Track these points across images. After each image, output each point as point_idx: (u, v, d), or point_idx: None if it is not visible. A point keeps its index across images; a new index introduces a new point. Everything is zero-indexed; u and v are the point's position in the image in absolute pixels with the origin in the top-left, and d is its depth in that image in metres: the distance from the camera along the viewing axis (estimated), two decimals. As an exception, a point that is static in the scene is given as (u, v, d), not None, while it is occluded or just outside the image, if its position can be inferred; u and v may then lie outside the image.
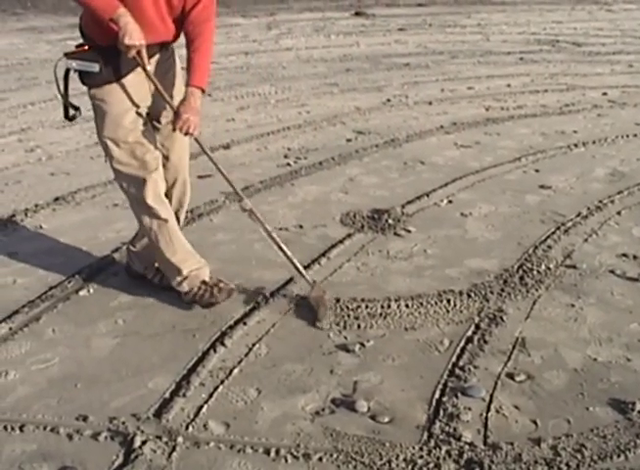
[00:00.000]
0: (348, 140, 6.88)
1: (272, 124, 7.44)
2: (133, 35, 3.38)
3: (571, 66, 10.61)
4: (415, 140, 6.92)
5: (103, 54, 3.52)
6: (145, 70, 3.56)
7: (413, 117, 7.72)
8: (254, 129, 7.26)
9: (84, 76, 3.60)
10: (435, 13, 16.83)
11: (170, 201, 3.94)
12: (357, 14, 16.58)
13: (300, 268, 4.00)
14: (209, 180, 5.70)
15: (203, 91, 3.63)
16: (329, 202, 5.36)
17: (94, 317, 3.81)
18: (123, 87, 3.60)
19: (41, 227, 4.93)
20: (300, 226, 4.92)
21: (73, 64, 3.56)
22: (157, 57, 3.68)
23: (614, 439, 2.90)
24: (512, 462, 2.77)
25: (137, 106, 3.65)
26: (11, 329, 3.70)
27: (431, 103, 8.35)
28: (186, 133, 3.62)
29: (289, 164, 6.17)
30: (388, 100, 8.49)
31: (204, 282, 3.89)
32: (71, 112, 3.79)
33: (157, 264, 4.06)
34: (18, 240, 4.75)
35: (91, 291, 4.08)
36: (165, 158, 3.86)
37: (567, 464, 2.75)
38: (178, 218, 4.01)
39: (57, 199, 5.40)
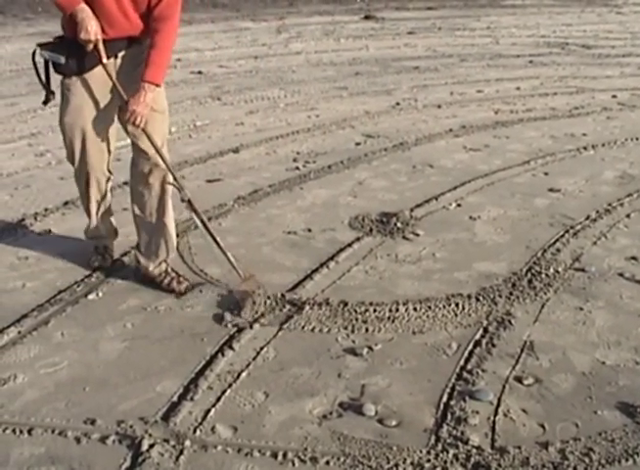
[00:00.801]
0: (357, 144, 6.88)
1: (281, 128, 7.45)
2: (89, 30, 3.61)
3: (580, 68, 10.59)
4: (424, 143, 6.92)
5: (68, 47, 3.76)
6: (101, 63, 3.76)
7: (422, 121, 7.72)
8: (264, 133, 7.27)
9: (55, 66, 3.86)
10: (445, 16, 16.83)
11: (151, 187, 4.08)
12: (367, 17, 16.60)
13: (233, 261, 4.09)
14: (218, 184, 5.74)
15: (157, 85, 3.79)
16: (338, 205, 5.36)
17: (103, 321, 3.82)
18: (86, 80, 3.85)
19: (50, 231, 4.95)
20: (309, 230, 4.92)
21: (45, 54, 3.83)
22: (125, 52, 3.85)
23: (622, 442, 2.89)
24: (519, 466, 2.76)
25: (97, 99, 3.89)
26: (20, 333, 3.71)
27: (440, 106, 8.35)
28: (133, 124, 3.84)
29: (298, 168, 6.17)
30: (398, 103, 8.50)
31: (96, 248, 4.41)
32: (45, 97, 4.07)
33: (163, 266, 4.17)
34: (27, 244, 4.76)
35: (100, 295, 4.09)
36: (136, 145, 4.03)
37: (574, 468, 2.74)
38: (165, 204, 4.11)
39: (66, 203, 5.41)
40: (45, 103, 4.11)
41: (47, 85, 4.01)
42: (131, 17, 3.75)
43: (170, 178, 4.04)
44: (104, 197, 4.35)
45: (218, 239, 4.13)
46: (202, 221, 4.11)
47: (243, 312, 3.87)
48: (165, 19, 3.76)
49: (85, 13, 3.61)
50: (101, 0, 3.65)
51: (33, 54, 3.87)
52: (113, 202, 5.10)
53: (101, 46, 3.71)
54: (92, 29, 3.62)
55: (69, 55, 3.77)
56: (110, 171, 4.29)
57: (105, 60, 3.76)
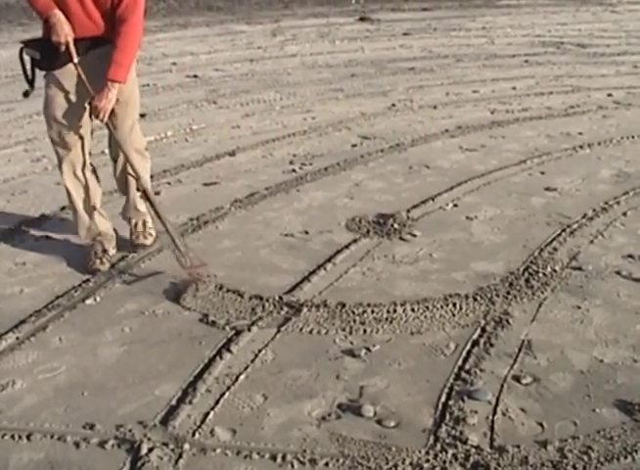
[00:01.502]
0: (354, 145, 6.88)
1: (277, 131, 7.45)
2: (59, 33, 4.05)
3: (575, 67, 10.60)
4: (420, 144, 6.92)
5: (44, 46, 4.15)
6: (72, 61, 4.14)
7: (418, 122, 7.72)
8: (260, 136, 7.27)
9: (34, 62, 4.25)
10: (440, 17, 16.85)
11: (117, 168, 4.69)
12: (362, 19, 16.60)
13: (182, 249, 4.27)
14: (215, 187, 5.74)
15: (120, 83, 4.17)
16: (334, 207, 5.37)
17: (100, 326, 3.82)
18: (59, 75, 4.23)
19: (48, 237, 4.95)
20: (306, 232, 4.93)
21: (26, 50, 4.24)
22: (94, 50, 4.21)
23: (620, 440, 2.89)
24: (518, 465, 2.76)
25: (70, 92, 4.26)
26: (18, 338, 3.71)
27: (436, 107, 8.35)
28: (97, 118, 4.24)
29: (294, 171, 6.17)
30: (394, 105, 8.50)
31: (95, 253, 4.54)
32: (25, 90, 4.40)
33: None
34: (24, 249, 4.76)
35: (97, 299, 4.09)
36: (113, 133, 4.40)
37: (573, 466, 2.74)
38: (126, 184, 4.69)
39: (63, 208, 5.40)
40: (25, 95, 4.43)
41: (30, 79, 4.34)
42: (95, 18, 4.15)
43: (129, 169, 4.46)
44: (87, 190, 4.58)
45: (169, 226, 4.34)
46: (155, 212, 4.40)
47: (182, 298, 4.06)
48: (125, 20, 4.11)
49: (57, 17, 4.04)
50: (67, 3, 4.06)
51: (20, 50, 4.26)
52: (108, 206, 5.11)
53: (72, 46, 4.10)
54: (62, 32, 4.05)
55: (45, 53, 4.16)
56: (91, 164, 4.61)
57: (75, 59, 4.14)
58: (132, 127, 4.51)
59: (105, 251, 4.58)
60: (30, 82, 4.34)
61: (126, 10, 4.10)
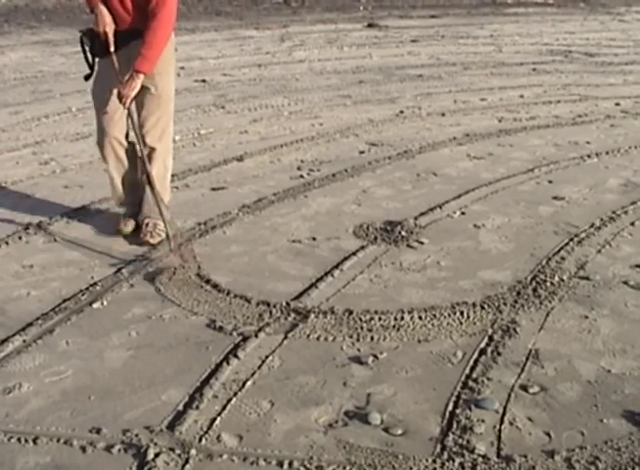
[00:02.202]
0: (361, 152, 6.88)
1: (285, 136, 7.46)
2: (99, 23, 4.52)
3: (583, 76, 10.60)
4: (428, 152, 6.92)
5: (93, 35, 4.61)
6: (108, 51, 4.55)
7: (426, 129, 7.72)
8: (268, 141, 7.28)
9: (89, 49, 4.70)
10: (448, 24, 16.86)
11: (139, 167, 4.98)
12: (370, 25, 16.62)
13: (170, 233, 4.65)
14: (222, 193, 5.75)
15: (144, 74, 4.52)
16: (342, 214, 5.37)
17: (107, 330, 3.82)
18: (104, 62, 4.67)
19: (55, 240, 4.95)
20: (314, 238, 4.93)
21: (83, 38, 4.69)
22: (132, 42, 4.56)
23: (628, 451, 2.88)
24: (526, 475, 2.76)
25: (108, 78, 4.63)
26: (25, 341, 3.71)
27: (444, 114, 8.35)
28: (121, 103, 4.61)
29: (302, 177, 6.17)
30: (401, 111, 8.50)
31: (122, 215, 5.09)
32: (87, 73, 4.80)
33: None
34: (31, 252, 4.77)
35: (104, 303, 4.09)
36: (132, 122, 4.79)
37: (581, 477, 2.74)
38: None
39: (71, 211, 5.42)
40: (85, 79, 4.86)
41: (90, 65, 4.75)
42: (131, 12, 4.53)
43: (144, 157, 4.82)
44: (123, 165, 4.98)
45: (164, 210, 4.71)
46: (155, 196, 4.75)
47: (157, 280, 4.33)
48: (154, 16, 4.45)
49: (99, 9, 4.51)
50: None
51: (80, 38, 4.71)
52: (117, 210, 5.12)
53: (110, 36, 4.53)
54: (102, 24, 4.50)
55: (94, 41, 4.62)
56: (129, 143, 4.97)
57: (112, 48, 4.55)
58: (158, 121, 4.81)
59: (131, 215, 5.05)
60: (91, 67, 4.76)
61: (156, 6, 4.43)
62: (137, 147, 4.87)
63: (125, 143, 4.93)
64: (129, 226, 5.01)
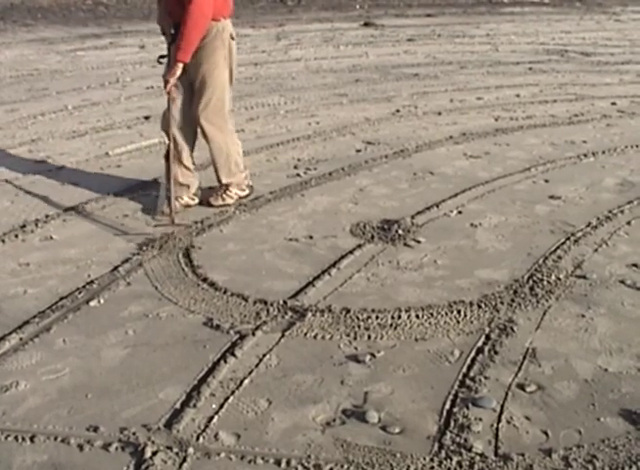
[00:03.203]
0: (358, 151, 6.88)
1: (282, 135, 7.45)
2: (157, 17, 5.32)
3: (579, 75, 10.61)
4: (424, 150, 6.92)
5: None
6: (169, 45, 5.13)
7: (422, 128, 7.72)
8: (264, 140, 7.27)
9: None
10: (444, 23, 16.87)
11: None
12: (366, 24, 16.62)
13: (173, 209, 5.16)
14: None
15: (181, 62, 4.97)
16: (339, 212, 5.37)
17: (104, 328, 3.82)
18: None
19: (51, 238, 4.95)
20: (310, 237, 4.93)
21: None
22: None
23: (625, 450, 2.89)
24: (523, 473, 2.76)
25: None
26: (21, 339, 3.71)
27: (440, 113, 8.36)
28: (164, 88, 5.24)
29: (298, 175, 6.17)
30: (398, 110, 8.50)
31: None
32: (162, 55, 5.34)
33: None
34: (28, 250, 4.76)
35: (101, 301, 4.09)
36: (170, 106, 5.31)
37: (578, 475, 2.74)
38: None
39: (67, 209, 5.41)
40: (158, 60, 5.42)
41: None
42: (176, 7, 4.90)
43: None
44: (175, 144, 5.35)
45: (172, 179, 5.23)
46: (167, 168, 5.28)
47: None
48: (185, 10, 4.81)
49: (158, 4, 5.24)
50: None
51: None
52: (113, 208, 5.13)
53: (166, 29, 5.12)
54: (158, 17, 5.28)
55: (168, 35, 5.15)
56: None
57: (166, 39, 5.17)
58: (207, 105, 5.23)
59: (176, 198, 5.34)
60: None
61: (186, 1, 4.80)
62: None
63: (186, 124, 5.33)
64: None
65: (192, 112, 5.28)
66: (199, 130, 5.36)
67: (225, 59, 5.22)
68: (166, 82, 5.15)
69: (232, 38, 5.25)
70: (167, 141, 5.32)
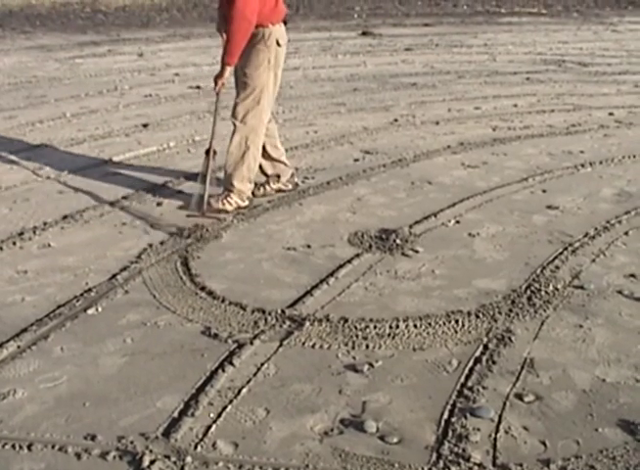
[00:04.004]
0: (356, 160, 6.89)
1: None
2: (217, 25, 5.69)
3: (577, 86, 10.63)
4: (422, 160, 6.93)
5: None
6: None
7: (420, 137, 7.73)
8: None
9: None
10: (442, 33, 16.89)
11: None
12: (364, 33, 16.64)
13: (205, 197, 5.46)
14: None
15: (226, 64, 5.28)
16: (337, 221, 5.37)
17: (102, 336, 3.82)
18: None
19: (49, 245, 4.95)
20: (308, 246, 4.93)
21: None
22: None
23: (623, 460, 2.89)
24: (521, 484, 2.76)
25: None
26: (19, 347, 3.70)
27: (438, 123, 8.37)
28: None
29: (296, 184, 6.17)
30: (396, 120, 8.51)
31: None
32: None
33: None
34: (26, 258, 4.76)
35: (99, 309, 4.08)
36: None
37: (576, 486, 2.74)
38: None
39: (65, 217, 5.42)
40: None
41: None
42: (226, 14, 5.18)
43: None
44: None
45: (208, 177, 5.50)
46: (206, 164, 5.56)
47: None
48: (230, 16, 5.07)
49: (218, 11, 5.59)
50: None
51: None
52: (111, 216, 5.13)
53: (222, 34, 5.47)
54: (217, 23, 5.68)
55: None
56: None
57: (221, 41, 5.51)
58: (241, 103, 5.49)
59: (266, 183, 5.85)
60: None
61: (229, 6, 5.06)
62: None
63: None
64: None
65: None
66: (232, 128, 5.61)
67: (269, 62, 5.42)
68: (216, 83, 5.44)
69: (278, 44, 5.46)
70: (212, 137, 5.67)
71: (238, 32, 5.11)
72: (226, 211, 5.52)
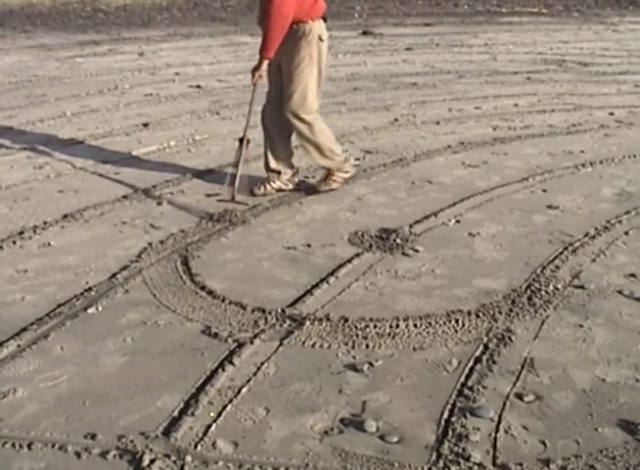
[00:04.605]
0: (356, 159, 6.87)
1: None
2: (258, 19, 5.60)
3: (577, 85, 10.63)
4: (423, 159, 6.93)
5: None
6: None
7: (421, 137, 7.73)
8: (262, 148, 7.23)
9: None
10: (443, 32, 16.89)
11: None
12: (365, 33, 16.64)
13: (236, 184, 5.70)
14: (217, 198, 5.74)
15: (263, 58, 5.44)
16: (337, 221, 5.37)
17: (102, 335, 3.82)
18: None
19: (50, 244, 4.95)
20: (309, 245, 4.93)
21: None
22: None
23: (623, 460, 2.89)
24: (521, 483, 2.76)
25: None
26: (19, 346, 3.71)
27: (438, 122, 8.36)
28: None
29: (297, 184, 6.17)
30: (396, 119, 8.51)
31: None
32: None
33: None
34: (26, 257, 4.76)
35: (99, 309, 4.08)
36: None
37: (576, 486, 2.74)
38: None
39: (65, 216, 5.42)
40: None
41: None
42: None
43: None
44: (270, 135, 5.98)
45: (240, 166, 5.76)
46: (239, 154, 5.79)
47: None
48: (266, 11, 5.24)
49: (259, 6, 5.50)
50: None
51: None
52: (112, 215, 5.13)
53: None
54: (258, 17, 5.56)
55: None
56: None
57: None
58: (289, 100, 5.62)
59: (268, 181, 5.99)
60: None
61: (265, 2, 5.24)
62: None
63: (276, 117, 5.81)
64: (265, 188, 5.97)
65: (281, 105, 5.71)
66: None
67: (311, 58, 5.56)
68: (253, 75, 5.60)
69: (321, 40, 5.58)
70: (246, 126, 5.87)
71: (274, 28, 5.26)
72: (333, 190, 5.96)
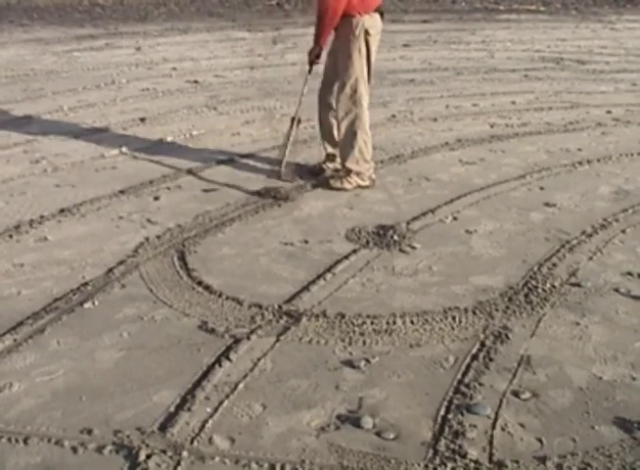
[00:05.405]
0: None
1: (277, 139, 7.42)
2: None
3: (575, 83, 10.62)
4: (420, 156, 6.92)
5: None
6: None
7: (418, 134, 7.72)
8: (260, 144, 7.26)
9: None
10: (440, 29, 16.87)
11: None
12: (362, 29, 16.59)
13: (283, 162, 6.13)
14: (214, 194, 5.73)
15: (314, 45, 5.72)
16: (334, 217, 5.37)
17: (99, 330, 3.81)
18: None
19: (46, 239, 4.94)
20: (306, 241, 4.92)
21: None
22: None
23: (619, 458, 2.90)
24: (517, 481, 2.76)
25: None
26: (15, 340, 3.70)
27: (435, 119, 8.36)
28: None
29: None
30: (393, 116, 8.50)
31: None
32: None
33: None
34: (22, 251, 4.75)
35: (96, 303, 4.08)
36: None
37: (572, 483, 2.75)
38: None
39: (62, 210, 5.40)
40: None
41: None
42: None
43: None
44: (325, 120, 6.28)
45: (288, 146, 6.14)
46: (288, 135, 6.14)
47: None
48: (318, 3, 5.46)
49: None
50: None
51: None
52: (108, 210, 5.13)
53: None
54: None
55: None
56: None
57: None
58: (338, 92, 5.85)
59: (324, 162, 6.34)
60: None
61: None
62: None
63: (330, 102, 6.07)
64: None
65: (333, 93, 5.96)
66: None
67: (359, 51, 5.68)
68: (309, 57, 5.88)
69: (368, 33, 5.65)
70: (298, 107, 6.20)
71: (323, 19, 5.47)
72: (345, 190, 5.94)
